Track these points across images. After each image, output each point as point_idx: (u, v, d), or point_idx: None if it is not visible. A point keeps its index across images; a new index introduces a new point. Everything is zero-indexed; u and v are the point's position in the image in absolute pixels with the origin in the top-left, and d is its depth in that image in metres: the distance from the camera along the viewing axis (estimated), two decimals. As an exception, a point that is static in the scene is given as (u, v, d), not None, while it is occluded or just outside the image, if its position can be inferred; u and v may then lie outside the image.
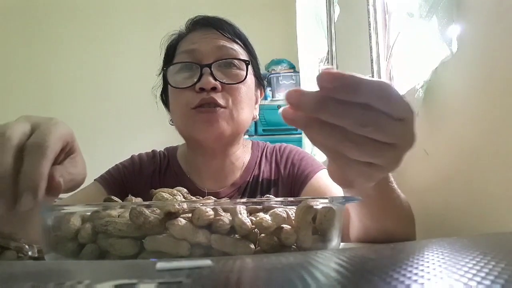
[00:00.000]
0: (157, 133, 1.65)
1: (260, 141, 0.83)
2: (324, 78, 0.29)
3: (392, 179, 0.49)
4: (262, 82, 0.79)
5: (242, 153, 0.77)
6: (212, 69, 0.67)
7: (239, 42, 0.72)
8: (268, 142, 0.83)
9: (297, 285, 0.17)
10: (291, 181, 0.75)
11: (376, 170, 0.35)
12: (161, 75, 0.76)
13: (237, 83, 0.69)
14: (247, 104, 0.71)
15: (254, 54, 0.76)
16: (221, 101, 0.66)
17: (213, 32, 0.71)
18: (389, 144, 0.33)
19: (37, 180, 0.33)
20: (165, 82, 0.74)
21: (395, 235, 0.52)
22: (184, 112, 0.68)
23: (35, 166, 0.34)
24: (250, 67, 0.71)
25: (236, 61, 0.70)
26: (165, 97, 0.77)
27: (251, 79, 0.72)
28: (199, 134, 0.68)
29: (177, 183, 0.43)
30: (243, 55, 0.72)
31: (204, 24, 0.72)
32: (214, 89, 0.66)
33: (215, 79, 0.66)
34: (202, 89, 0.66)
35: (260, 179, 0.76)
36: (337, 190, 0.61)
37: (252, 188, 0.75)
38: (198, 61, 0.68)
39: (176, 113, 0.71)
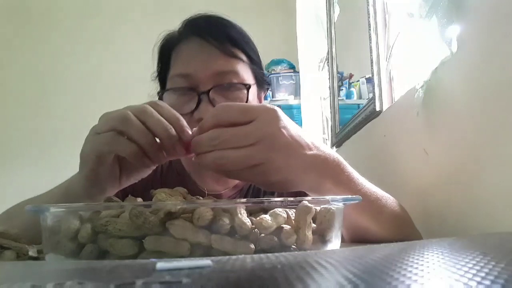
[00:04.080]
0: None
1: None
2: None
3: (352, 176, 0.51)
4: (264, 84, 0.76)
5: None
6: (210, 96, 0.63)
7: (237, 54, 0.68)
8: None
9: (297, 285, 0.17)
10: None
11: (262, 169, 0.42)
12: (156, 79, 0.75)
13: None
14: None
15: (255, 58, 0.72)
16: None
17: (208, 47, 0.66)
18: (251, 145, 0.41)
19: (183, 122, 0.47)
20: (162, 86, 0.73)
21: (377, 235, 0.53)
22: None
23: (174, 114, 0.47)
24: (252, 85, 0.68)
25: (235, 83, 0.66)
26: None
27: (252, 95, 0.69)
28: (203, 177, 0.69)
29: (179, 184, 0.43)
30: (244, 72, 0.68)
31: (197, 34, 0.68)
32: None
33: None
34: (201, 119, 0.64)
35: None
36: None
37: (255, 190, 0.74)
38: (195, 86, 0.64)
39: None
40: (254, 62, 0.72)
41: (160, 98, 0.69)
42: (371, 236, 0.53)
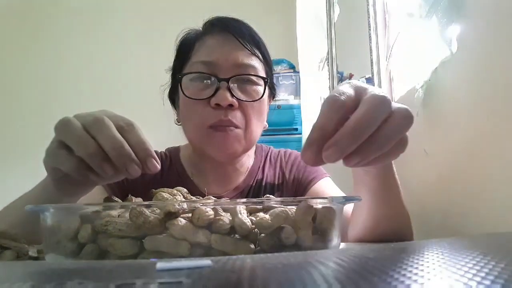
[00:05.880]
0: (158, 133, 1.65)
1: (263, 145, 0.83)
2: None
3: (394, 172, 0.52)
4: (274, 91, 0.78)
5: (247, 158, 0.76)
6: (229, 84, 0.65)
7: (257, 53, 0.70)
8: (271, 146, 0.83)
9: (297, 285, 0.17)
10: (295, 186, 0.75)
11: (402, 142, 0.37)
12: (170, 73, 0.75)
13: (255, 100, 0.67)
14: (261, 120, 0.70)
15: (270, 63, 0.74)
16: (236, 121, 0.65)
17: (232, 41, 0.68)
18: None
19: (150, 150, 0.39)
20: (174, 82, 0.74)
21: (399, 226, 0.54)
22: (198, 127, 0.66)
23: (143, 140, 0.39)
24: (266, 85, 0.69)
25: (254, 77, 0.68)
26: (173, 97, 0.76)
27: (266, 93, 0.71)
28: (211, 151, 0.67)
29: (179, 185, 0.43)
30: (261, 70, 0.70)
31: (223, 28, 0.70)
32: (230, 106, 0.64)
33: (232, 95, 0.64)
34: (217, 105, 0.64)
35: (264, 183, 0.76)
36: None
37: (255, 192, 0.74)
38: (215, 74, 0.66)
39: (189, 125, 0.69)
40: (269, 66, 0.74)
41: (179, 81, 0.69)
42: (396, 228, 0.53)
